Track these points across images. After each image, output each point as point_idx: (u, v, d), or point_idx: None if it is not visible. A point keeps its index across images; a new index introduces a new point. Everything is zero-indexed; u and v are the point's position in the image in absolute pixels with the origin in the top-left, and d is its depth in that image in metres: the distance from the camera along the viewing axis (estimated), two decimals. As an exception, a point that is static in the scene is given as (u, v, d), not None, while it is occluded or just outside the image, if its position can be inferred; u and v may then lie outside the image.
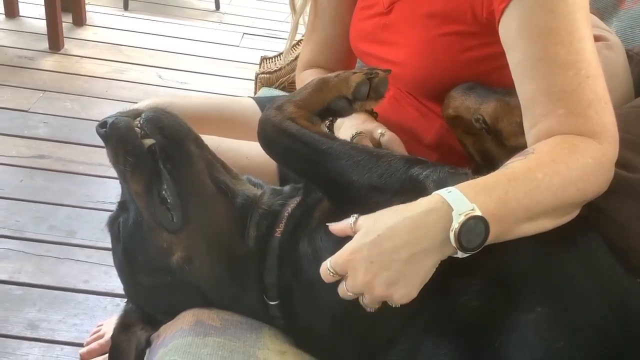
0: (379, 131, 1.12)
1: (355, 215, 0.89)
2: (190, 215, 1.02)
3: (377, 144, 1.12)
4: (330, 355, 1.01)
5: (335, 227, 0.91)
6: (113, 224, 1.11)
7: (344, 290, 0.86)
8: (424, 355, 0.88)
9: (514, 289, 0.84)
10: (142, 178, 1.03)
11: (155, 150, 1.02)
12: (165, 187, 1.03)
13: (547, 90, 0.90)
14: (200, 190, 1.03)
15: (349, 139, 1.10)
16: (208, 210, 1.03)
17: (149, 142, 1.03)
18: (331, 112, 1.07)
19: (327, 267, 0.87)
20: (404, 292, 0.82)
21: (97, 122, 1.06)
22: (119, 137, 1.03)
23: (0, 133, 2.58)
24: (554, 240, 0.86)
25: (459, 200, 0.81)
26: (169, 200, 1.03)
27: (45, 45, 3.26)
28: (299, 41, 1.96)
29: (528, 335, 0.81)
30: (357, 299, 0.87)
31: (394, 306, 0.84)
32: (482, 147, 1.07)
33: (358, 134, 1.12)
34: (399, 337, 0.90)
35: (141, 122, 1.02)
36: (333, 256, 0.86)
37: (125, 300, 1.21)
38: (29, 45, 3.27)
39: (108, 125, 1.03)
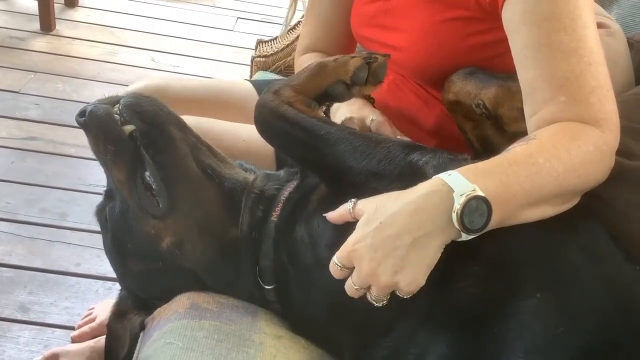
0: (371, 117, 1.11)
1: (353, 200, 0.88)
2: (176, 200, 1.01)
3: (368, 130, 1.10)
4: (325, 340, 1.01)
5: (333, 215, 0.90)
6: (101, 213, 1.10)
7: (351, 286, 0.85)
8: (421, 341, 0.87)
9: (513, 275, 0.84)
10: (125, 165, 1.02)
11: (136, 137, 1.01)
12: (149, 173, 1.02)
13: (549, 77, 0.90)
14: (184, 174, 1.02)
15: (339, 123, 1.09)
16: (194, 194, 1.02)
17: (129, 128, 1.01)
18: (329, 97, 1.06)
19: (335, 262, 0.86)
20: (410, 278, 0.81)
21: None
22: (98, 125, 1.02)
23: (-9, 114, 2.55)
24: (554, 226, 0.86)
25: (460, 182, 0.80)
26: (153, 186, 1.02)
27: (36, 26, 3.22)
28: (295, 25, 1.95)
29: (528, 321, 0.81)
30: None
31: (402, 297, 0.83)
32: (482, 133, 1.07)
33: (348, 119, 1.10)
34: (396, 322, 0.89)
35: (120, 108, 1.01)
36: (338, 250, 0.85)
37: (118, 284, 1.20)
38: (20, 25, 3.22)
39: (87, 114, 1.02)
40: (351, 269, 0.85)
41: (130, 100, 1.02)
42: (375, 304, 0.85)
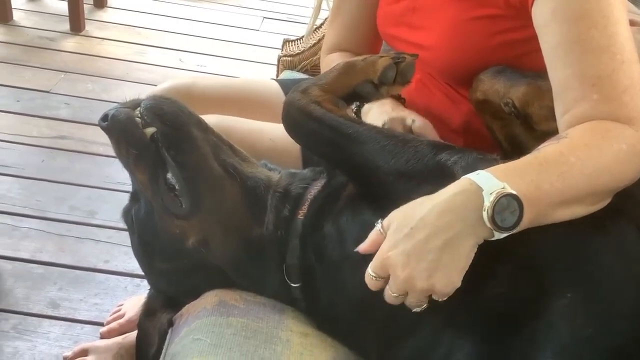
0: (411, 118, 1.11)
1: (379, 221, 0.86)
2: (199, 200, 1.02)
3: (409, 131, 1.10)
4: (351, 339, 1.01)
5: (364, 246, 0.87)
6: (127, 215, 1.12)
7: (390, 295, 0.84)
8: (447, 340, 0.87)
9: (543, 276, 0.83)
10: (147, 167, 1.03)
11: (158, 138, 1.02)
12: (171, 174, 1.03)
13: (580, 75, 0.89)
14: (206, 174, 1.02)
15: (380, 125, 1.08)
16: (216, 193, 1.03)
17: (150, 130, 1.02)
18: (357, 97, 1.06)
19: (370, 274, 0.85)
20: (445, 280, 0.80)
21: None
22: (120, 128, 1.03)
23: (22, 113, 2.59)
24: (583, 226, 0.84)
25: (489, 180, 0.79)
26: (176, 187, 1.03)
27: (66, 26, 3.26)
28: (321, 24, 1.95)
29: (557, 322, 0.80)
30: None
31: (440, 300, 0.82)
32: (510, 132, 1.06)
33: (391, 119, 1.10)
34: (422, 322, 0.89)
35: (141, 111, 1.02)
36: (372, 261, 0.85)
37: (146, 282, 1.22)
38: (50, 26, 3.27)
39: (109, 118, 1.03)
40: (387, 278, 0.84)
41: (150, 102, 1.03)
42: (414, 309, 0.85)
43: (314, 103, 1.00)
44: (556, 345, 0.79)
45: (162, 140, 1.02)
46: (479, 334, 0.85)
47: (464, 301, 0.86)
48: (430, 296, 0.83)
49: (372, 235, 0.86)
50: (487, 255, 0.83)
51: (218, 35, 3.52)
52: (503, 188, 0.78)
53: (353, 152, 0.95)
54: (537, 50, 0.96)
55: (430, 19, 1.15)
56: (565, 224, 0.84)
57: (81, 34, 3.27)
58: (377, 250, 0.84)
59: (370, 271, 0.85)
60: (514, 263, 0.85)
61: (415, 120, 1.10)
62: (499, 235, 0.80)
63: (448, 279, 0.80)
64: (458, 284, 0.81)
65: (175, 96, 1.22)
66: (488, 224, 0.79)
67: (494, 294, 0.85)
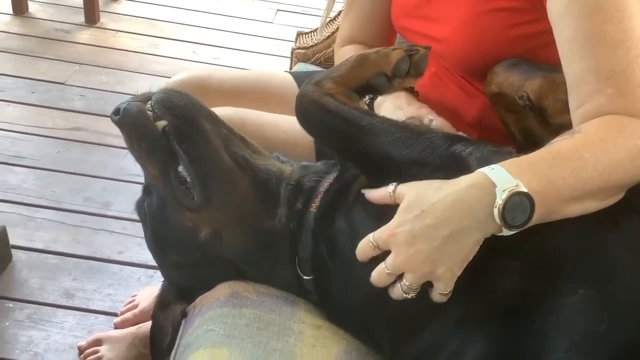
0: (429, 118, 1.10)
1: (394, 183, 0.88)
2: (211, 192, 1.02)
3: None
4: (363, 332, 1.01)
5: (374, 194, 0.91)
6: (140, 208, 1.13)
7: (382, 271, 0.85)
8: (460, 335, 0.87)
9: (556, 271, 0.83)
10: (159, 160, 1.04)
11: (169, 132, 1.02)
12: (182, 166, 1.03)
13: (595, 69, 0.88)
14: (217, 167, 1.03)
15: None
16: (227, 185, 1.03)
17: (162, 124, 1.02)
18: (370, 89, 1.05)
19: (370, 240, 0.86)
20: (446, 268, 0.81)
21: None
22: (131, 122, 1.03)
23: (38, 105, 2.61)
24: (596, 221, 0.84)
25: (502, 177, 0.79)
26: (187, 180, 1.03)
27: (81, 18, 3.28)
28: (335, 17, 1.95)
29: (569, 318, 0.80)
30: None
31: (439, 292, 0.83)
32: (525, 125, 1.05)
33: (409, 119, 1.10)
34: (435, 316, 0.89)
35: (152, 104, 1.02)
36: (377, 230, 0.85)
37: (159, 273, 1.23)
38: (65, 18, 3.28)
39: (121, 112, 1.03)
40: (383, 252, 0.85)
41: (161, 96, 1.03)
42: (404, 295, 0.86)
43: (327, 95, 0.99)
44: (569, 341, 0.79)
45: (173, 133, 1.02)
46: (492, 330, 0.85)
47: (477, 297, 0.86)
48: (421, 286, 0.84)
49: (382, 192, 0.89)
50: (501, 251, 0.83)
51: (232, 28, 3.52)
52: (516, 186, 0.78)
53: (366, 144, 0.95)
54: (553, 43, 0.95)
55: (445, 11, 1.15)
56: (577, 219, 0.83)
57: (96, 26, 3.28)
58: (381, 204, 0.87)
59: (371, 238, 0.86)
60: (526, 259, 0.85)
61: (433, 120, 1.10)
62: (507, 232, 0.80)
63: (449, 268, 0.81)
64: (458, 273, 0.82)
65: (190, 88, 1.23)
66: (498, 221, 0.79)
67: (507, 289, 0.84)
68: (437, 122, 1.10)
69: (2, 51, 2.94)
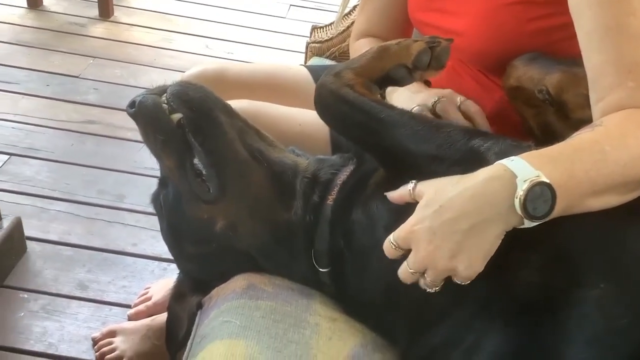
0: (459, 98, 1.10)
1: (413, 181, 0.87)
2: (226, 185, 1.02)
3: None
4: (379, 324, 1.01)
5: (394, 194, 0.90)
6: (156, 201, 1.13)
7: (406, 269, 0.84)
8: (478, 328, 0.86)
9: (576, 265, 0.82)
10: (174, 153, 1.04)
11: (184, 124, 1.02)
12: (198, 159, 1.03)
13: (616, 62, 0.87)
14: (232, 159, 1.03)
15: (429, 105, 1.09)
16: (243, 178, 1.03)
17: (177, 116, 1.02)
18: (390, 81, 1.04)
19: (390, 241, 0.85)
20: (467, 263, 0.80)
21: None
22: (147, 115, 1.03)
23: (52, 98, 2.62)
24: (617, 215, 0.83)
25: (523, 167, 0.78)
26: (203, 172, 1.03)
27: (95, 12, 3.29)
28: (350, 11, 1.94)
29: (589, 312, 0.79)
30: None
31: (460, 283, 0.82)
32: (544, 120, 1.05)
33: (440, 99, 1.09)
34: (452, 309, 0.88)
35: (167, 97, 1.02)
36: (396, 230, 0.85)
37: (173, 265, 1.23)
38: (79, 12, 3.30)
39: (136, 105, 1.03)
40: (405, 251, 0.85)
41: (177, 88, 1.03)
42: (428, 290, 0.85)
43: (346, 86, 0.99)
44: (589, 335, 0.78)
45: (188, 126, 1.02)
46: (511, 323, 0.84)
47: (495, 290, 0.85)
48: (445, 279, 0.83)
49: (402, 191, 0.89)
50: (520, 245, 0.82)
51: (245, 22, 3.53)
52: (537, 176, 0.77)
53: (385, 136, 0.95)
54: (572, 36, 0.94)
55: (462, 4, 1.14)
56: (598, 213, 0.82)
57: (110, 19, 3.30)
58: (402, 204, 0.88)
59: (391, 239, 0.85)
60: (546, 253, 0.84)
61: (464, 101, 1.10)
62: (528, 224, 0.79)
63: (470, 262, 0.80)
64: (480, 268, 0.81)
65: (206, 81, 1.23)
66: (519, 212, 0.77)
67: (526, 283, 0.84)
68: (467, 102, 1.09)
69: (16, 44, 2.96)
